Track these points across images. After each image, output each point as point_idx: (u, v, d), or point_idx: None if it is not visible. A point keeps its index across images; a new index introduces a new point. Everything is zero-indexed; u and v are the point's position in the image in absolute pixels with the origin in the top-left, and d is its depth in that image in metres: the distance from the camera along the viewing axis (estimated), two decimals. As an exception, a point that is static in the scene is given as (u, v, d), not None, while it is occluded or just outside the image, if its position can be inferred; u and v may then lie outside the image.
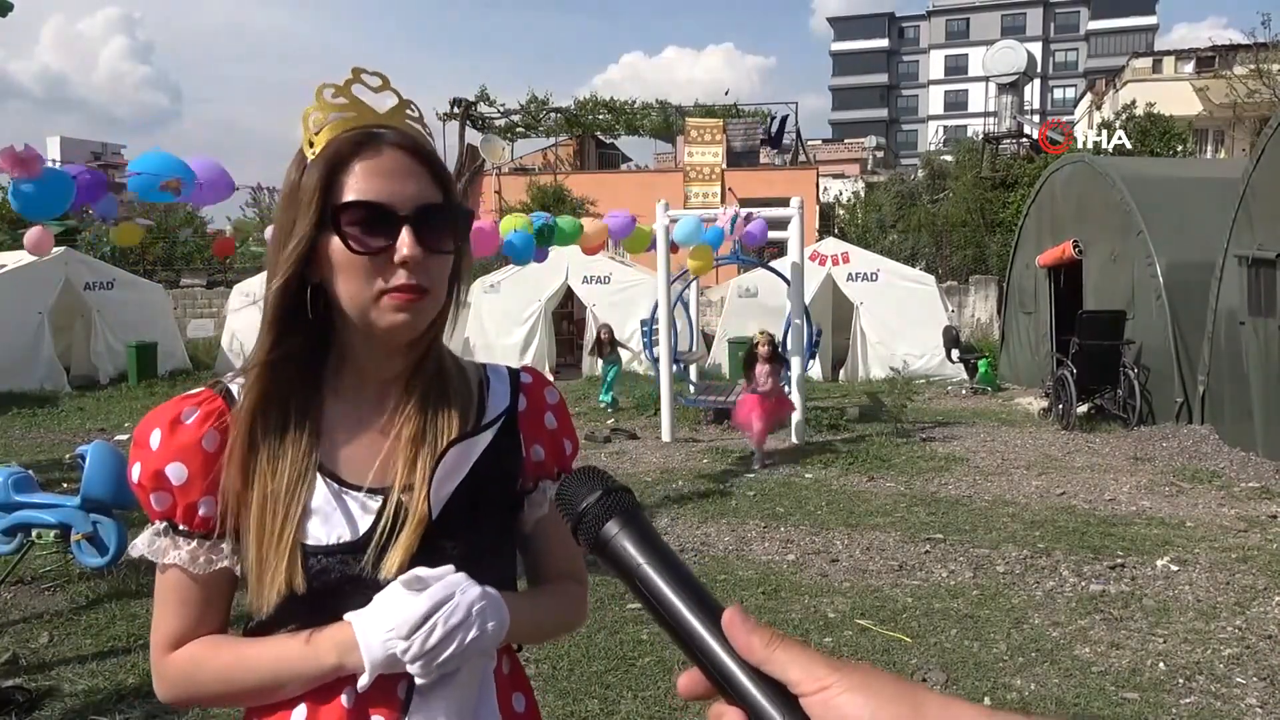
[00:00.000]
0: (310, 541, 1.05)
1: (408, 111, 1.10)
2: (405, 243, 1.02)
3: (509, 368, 1.26)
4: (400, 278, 1.02)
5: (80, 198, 4.86)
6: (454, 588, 1.01)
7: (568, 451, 1.24)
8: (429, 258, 1.04)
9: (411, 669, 1.00)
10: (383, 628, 0.99)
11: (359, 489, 1.08)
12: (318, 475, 1.07)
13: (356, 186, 1.03)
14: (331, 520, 1.06)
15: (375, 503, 1.07)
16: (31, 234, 7.16)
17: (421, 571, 1.01)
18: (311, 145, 1.05)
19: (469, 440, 1.10)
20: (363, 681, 1.01)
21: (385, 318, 1.04)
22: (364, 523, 1.06)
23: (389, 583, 1.03)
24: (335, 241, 1.03)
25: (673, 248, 9.48)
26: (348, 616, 1.02)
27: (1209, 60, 30.25)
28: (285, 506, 1.04)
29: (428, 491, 1.06)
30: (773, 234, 10.53)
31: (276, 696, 1.06)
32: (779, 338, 9.90)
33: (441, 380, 1.13)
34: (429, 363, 1.13)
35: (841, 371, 14.69)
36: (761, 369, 8.34)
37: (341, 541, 1.05)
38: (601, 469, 0.72)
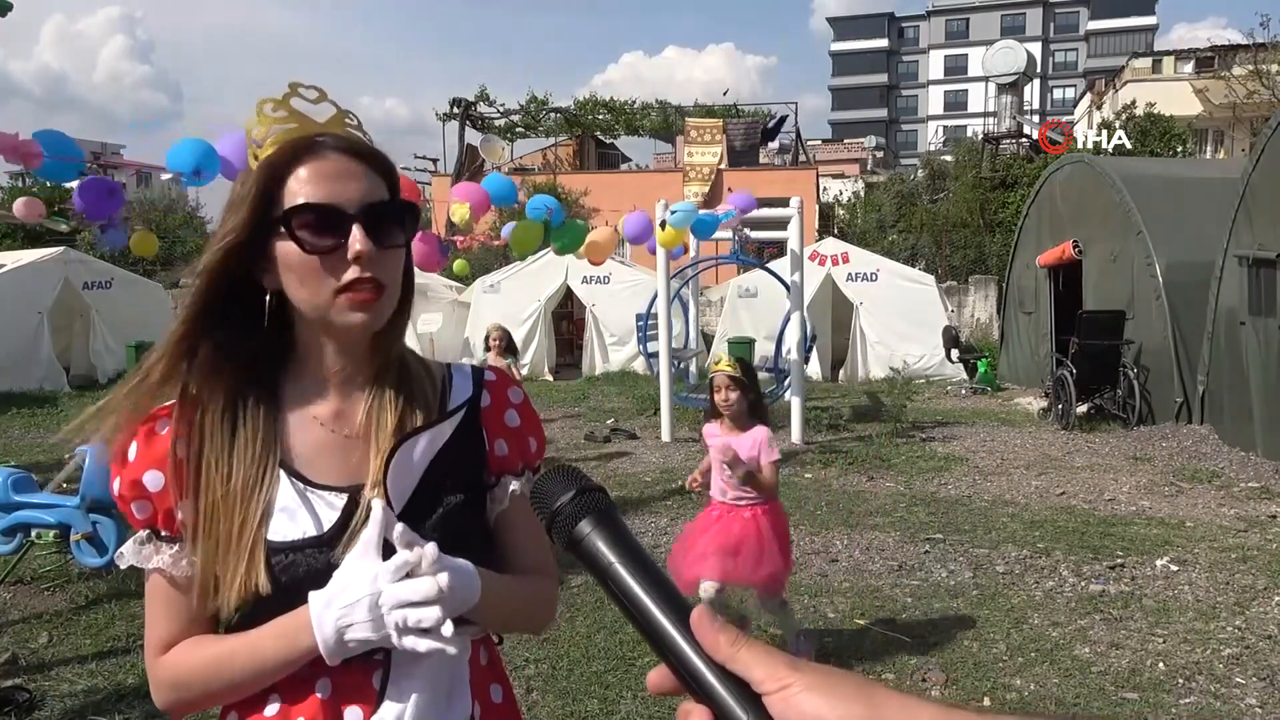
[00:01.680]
0: (276, 538, 1.07)
1: (346, 120, 1.14)
2: (357, 239, 1.04)
3: (474, 365, 1.28)
4: (354, 273, 1.05)
5: (97, 207, 4.82)
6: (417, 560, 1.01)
7: (532, 449, 1.25)
8: (381, 253, 1.07)
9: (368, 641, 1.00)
10: (336, 605, 0.99)
11: (324, 487, 1.10)
12: (281, 474, 1.09)
13: (303, 191, 1.05)
14: (297, 517, 1.08)
15: (340, 500, 1.09)
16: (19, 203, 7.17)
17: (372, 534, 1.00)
18: (257, 158, 1.08)
19: (425, 433, 1.12)
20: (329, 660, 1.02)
21: (344, 316, 1.06)
22: (328, 519, 1.08)
23: None
24: (287, 246, 1.06)
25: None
26: (310, 595, 1.02)
27: (1208, 60, 30.27)
28: (243, 507, 1.06)
29: (384, 487, 1.08)
30: (773, 234, 10.54)
31: (262, 684, 1.07)
32: (775, 335, 9.84)
33: (403, 378, 1.16)
34: (390, 360, 1.15)
35: (841, 372, 14.68)
36: (724, 440, 3.77)
37: (307, 536, 1.07)
38: (576, 468, 0.73)
